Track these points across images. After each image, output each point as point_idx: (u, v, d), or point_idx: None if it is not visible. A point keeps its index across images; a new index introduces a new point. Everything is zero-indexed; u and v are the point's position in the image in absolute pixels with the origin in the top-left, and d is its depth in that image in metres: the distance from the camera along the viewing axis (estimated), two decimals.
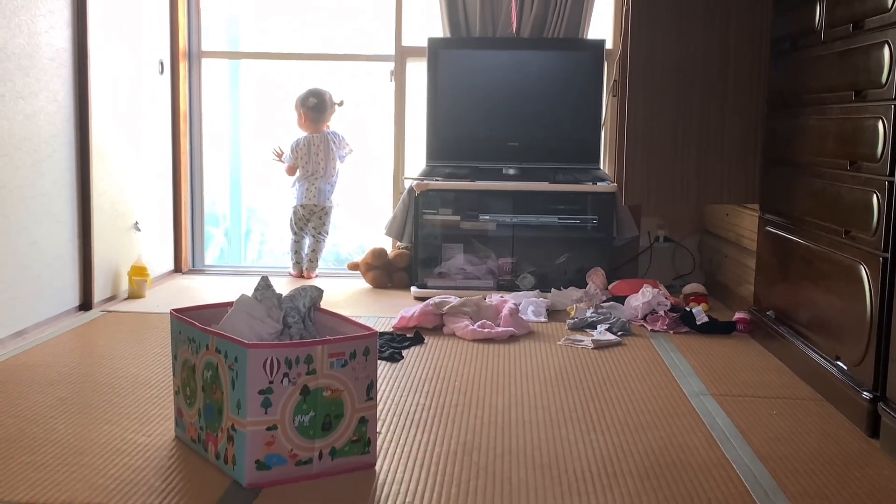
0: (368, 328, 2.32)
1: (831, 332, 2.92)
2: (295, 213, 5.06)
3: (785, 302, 3.40)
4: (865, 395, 2.60)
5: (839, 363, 2.83)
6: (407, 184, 4.82)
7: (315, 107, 4.98)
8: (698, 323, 3.82)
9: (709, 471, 2.31)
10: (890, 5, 2.51)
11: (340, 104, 5.05)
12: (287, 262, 5.16)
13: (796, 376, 3.16)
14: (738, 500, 2.14)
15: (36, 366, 3.15)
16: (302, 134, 5.04)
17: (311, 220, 5.05)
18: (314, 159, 4.99)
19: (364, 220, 5.64)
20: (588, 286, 4.35)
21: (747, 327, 3.79)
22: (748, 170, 3.87)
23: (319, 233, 5.05)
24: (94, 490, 2.13)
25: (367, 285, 4.84)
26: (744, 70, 3.84)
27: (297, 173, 5.05)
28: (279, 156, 5.11)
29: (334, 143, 5.03)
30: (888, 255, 2.51)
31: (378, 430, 2.49)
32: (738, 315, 3.88)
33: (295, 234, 5.08)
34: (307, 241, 5.09)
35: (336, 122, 5.12)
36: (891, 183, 2.50)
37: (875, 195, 2.57)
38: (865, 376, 2.63)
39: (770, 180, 3.62)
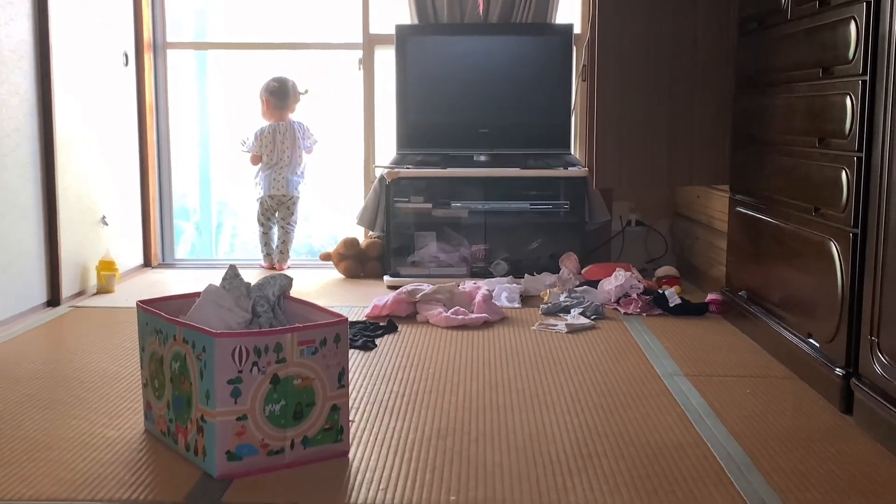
0: (338, 315, 2.29)
1: (803, 310, 2.93)
2: (262, 203, 5.00)
3: (757, 282, 3.40)
4: (838, 371, 2.61)
5: (811, 341, 2.84)
6: (378, 172, 4.79)
7: (276, 92, 4.93)
8: (671, 305, 3.83)
9: (683, 450, 2.31)
10: None
11: (305, 93, 5.00)
12: (258, 255, 5.12)
13: (769, 355, 3.17)
14: (713, 477, 2.14)
15: (3, 362, 3.10)
16: (266, 123, 4.99)
17: (278, 211, 5.00)
18: (279, 147, 4.93)
19: (336, 209, 5.61)
20: (561, 271, 4.34)
21: (720, 308, 3.79)
22: (718, 151, 3.88)
23: (288, 223, 5.00)
24: (63, 485, 2.09)
25: (340, 275, 4.81)
26: (712, 51, 3.85)
27: (261, 162, 4.99)
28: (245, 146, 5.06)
29: (300, 132, 4.99)
30: (858, 231, 2.52)
31: (351, 418, 2.47)
32: (710, 296, 3.89)
33: (262, 225, 5.03)
34: (276, 232, 5.04)
35: (305, 112, 5.08)
36: (860, 159, 2.50)
37: (844, 171, 2.57)
38: (837, 353, 2.63)
39: (740, 160, 3.62)
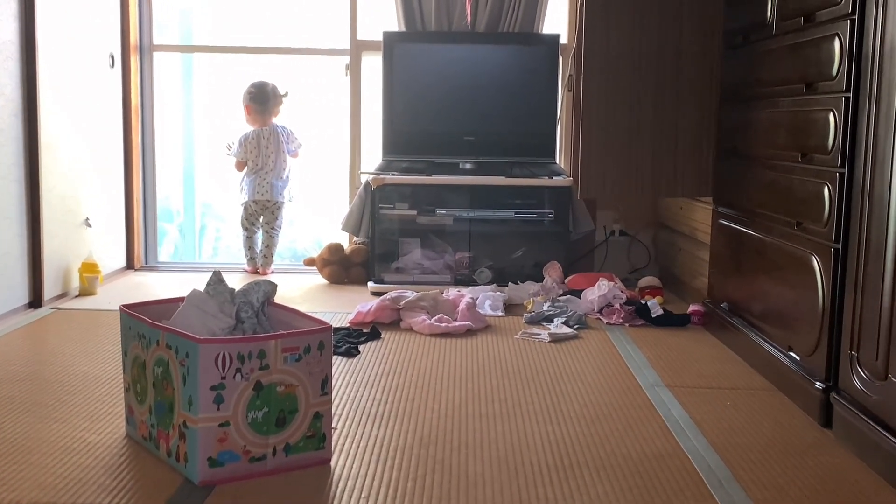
0: (322, 322, 2.29)
1: (784, 323, 2.95)
2: (246, 208, 5.00)
3: (738, 294, 3.43)
4: (818, 385, 2.63)
5: (792, 354, 2.86)
6: (363, 178, 4.79)
7: (256, 97, 4.92)
8: (653, 315, 3.84)
9: (664, 461, 2.32)
10: None
11: (285, 95, 4.99)
12: (242, 259, 5.11)
13: (750, 367, 3.19)
14: (693, 489, 2.15)
15: None
16: (250, 129, 4.98)
17: (262, 215, 5.00)
18: (263, 153, 4.93)
19: (320, 215, 5.60)
20: (545, 280, 4.36)
21: (701, 319, 3.81)
22: (702, 163, 3.90)
23: (272, 227, 5.00)
24: (43, 489, 2.08)
25: (324, 281, 4.81)
26: (697, 64, 3.88)
27: (246, 168, 4.99)
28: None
29: (283, 136, 4.98)
30: (839, 246, 2.54)
31: (333, 426, 2.47)
32: (692, 307, 3.91)
33: (246, 230, 5.02)
34: (260, 237, 5.04)
35: (291, 116, 5.07)
36: (842, 174, 2.52)
37: (826, 187, 2.60)
38: (818, 367, 2.65)
39: (723, 173, 3.65)
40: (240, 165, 5.01)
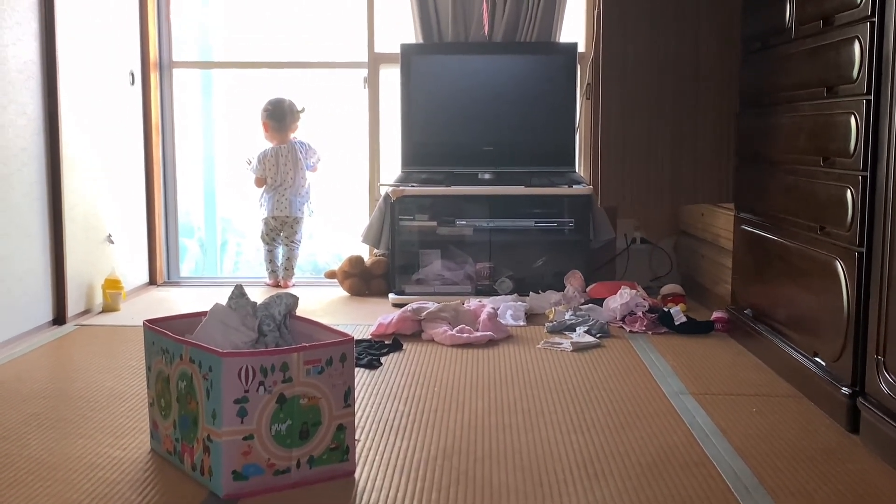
0: (344, 334, 2.29)
1: (809, 328, 2.92)
2: (266, 224, 5.03)
3: (762, 300, 3.40)
4: (844, 390, 2.60)
5: (817, 359, 2.83)
6: (383, 190, 4.80)
7: (273, 114, 4.95)
8: (676, 323, 3.82)
9: (690, 469, 2.30)
10: (859, 0, 2.51)
11: (302, 111, 5.01)
12: (263, 273, 5.13)
13: (775, 374, 3.17)
14: (720, 497, 2.13)
15: (8, 381, 3.10)
16: (269, 145, 5.01)
17: (282, 230, 5.02)
18: (282, 170, 4.95)
19: (340, 227, 5.61)
20: (566, 289, 4.35)
21: (725, 326, 3.79)
22: (722, 169, 3.89)
23: (292, 241, 5.02)
24: None
25: (345, 293, 4.81)
26: (715, 69, 3.87)
27: (266, 185, 5.01)
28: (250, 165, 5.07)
29: (301, 152, 5.00)
30: (863, 250, 2.52)
31: (357, 438, 2.47)
32: (715, 314, 3.89)
33: (267, 244, 5.05)
34: (280, 251, 5.06)
35: (310, 130, 5.09)
36: (864, 178, 2.50)
37: (849, 190, 2.58)
38: (844, 372, 2.63)
39: (744, 179, 3.63)
40: (259, 182, 5.04)
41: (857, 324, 2.55)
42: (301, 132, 5.06)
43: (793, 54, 3.05)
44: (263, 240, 5.06)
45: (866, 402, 2.47)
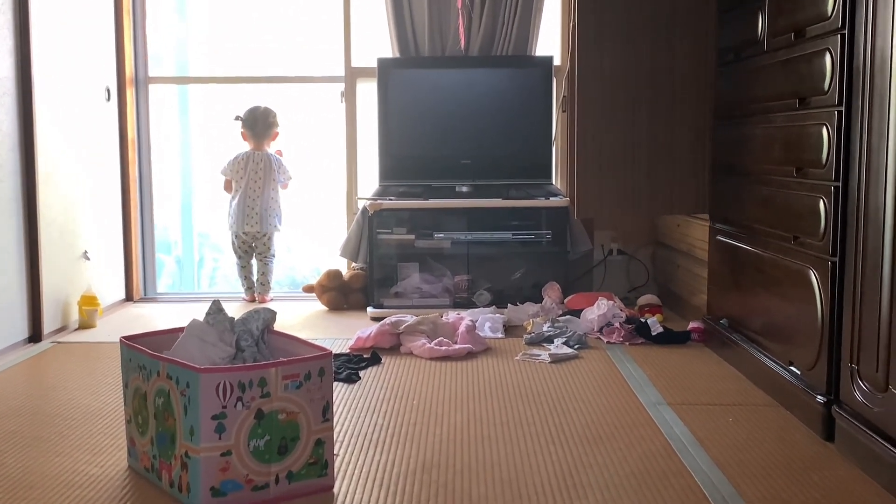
0: (322, 348, 2.30)
1: (784, 337, 2.95)
2: (237, 237, 4.98)
3: (738, 310, 3.43)
4: (819, 399, 2.62)
5: (792, 368, 2.86)
6: (360, 204, 4.80)
7: (245, 121, 4.93)
8: (653, 334, 3.84)
9: (668, 479, 2.31)
10: (830, 13, 2.55)
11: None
12: (240, 288, 5.10)
13: (751, 383, 3.19)
14: None
15: None
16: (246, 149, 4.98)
17: (254, 245, 4.98)
18: (252, 177, 4.90)
19: (318, 241, 5.60)
20: (544, 301, 4.36)
21: (702, 336, 3.81)
22: (697, 180, 3.92)
23: (265, 255, 4.98)
24: None
25: (323, 307, 4.80)
26: (690, 81, 3.90)
27: (232, 191, 4.98)
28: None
29: (275, 165, 4.96)
30: (836, 260, 2.54)
31: (336, 452, 2.47)
32: (692, 324, 3.91)
33: (239, 258, 5.01)
34: (255, 264, 5.02)
35: (288, 144, 5.08)
36: (837, 188, 2.53)
37: (822, 201, 2.61)
38: (818, 380, 2.65)
39: (719, 189, 3.66)
40: (227, 185, 4.98)
41: (832, 332, 2.58)
42: (279, 145, 5.03)
43: (766, 66, 3.08)
44: (236, 253, 5.01)
45: (841, 411, 2.49)
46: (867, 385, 2.37)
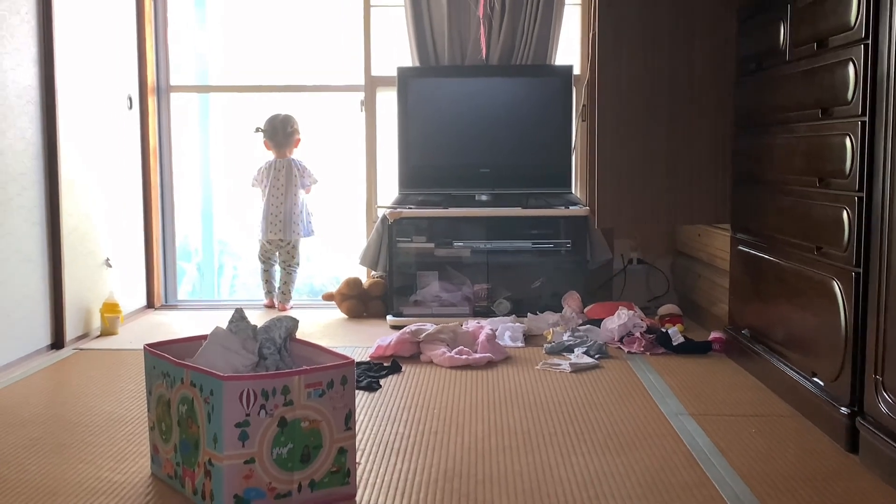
0: (345, 357, 2.30)
1: (806, 348, 2.93)
2: (262, 245, 5.03)
3: (759, 320, 3.41)
4: (843, 410, 2.61)
5: (815, 379, 2.84)
6: (380, 212, 4.81)
7: (265, 130, 4.98)
8: (674, 344, 3.83)
9: (690, 490, 2.30)
10: (853, 23, 2.54)
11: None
12: (260, 295, 5.12)
13: (773, 394, 3.17)
14: None
15: (7, 406, 3.10)
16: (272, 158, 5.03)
17: (278, 253, 5.01)
18: (275, 184, 4.94)
19: (338, 249, 5.62)
20: (564, 310, 4.35)
21: (723, 346, 3.80)
22: (718, 189, 3.91)
23: (290, 265, 5.01)
24: None
25: (343, 315, 4.81)
26: (710, 90, 3.89)
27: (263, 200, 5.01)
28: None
29: (298, 170, 4.99)
30: (860, 270, 2.53)
31: (357, 461, 2.47)
32: (713, 335, 3.90)
33: (263, 263, 5.06)
34: (278, 272, 5.06)
35: (308, 153, 5.10)
36: (860, 198, 2.52)
37: (845, 211, 2.59)
38: (842, 391, 2.64)
39: (740, 199, 3.65)
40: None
41: (855, 343, 2.56)
42: (300, 153, 5.06)
43: (788, 76, 3.07)
44: (260, 259, 5.06)
45: (865, 422, 2.47)
46: (892, 397, 2.35)
